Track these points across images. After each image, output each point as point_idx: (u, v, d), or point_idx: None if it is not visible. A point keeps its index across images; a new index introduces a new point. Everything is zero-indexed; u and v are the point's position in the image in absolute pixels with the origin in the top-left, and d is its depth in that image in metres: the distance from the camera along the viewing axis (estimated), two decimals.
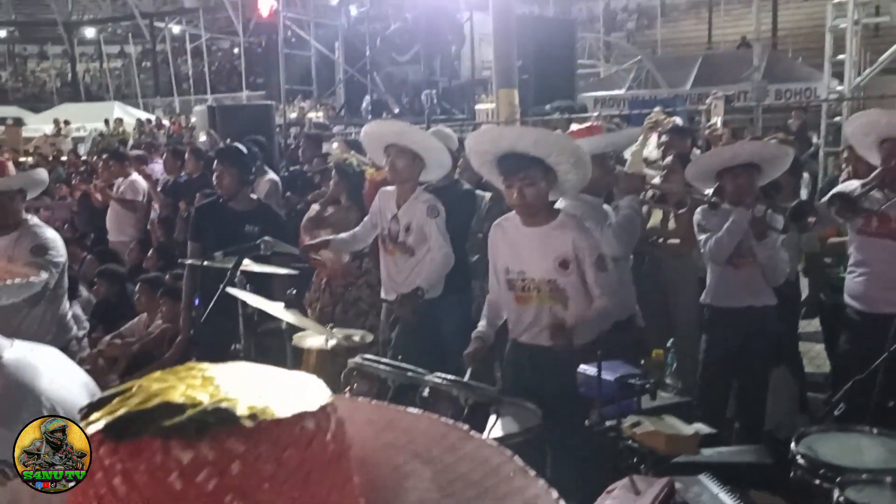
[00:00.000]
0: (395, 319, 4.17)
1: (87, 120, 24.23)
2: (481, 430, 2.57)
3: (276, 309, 3.26)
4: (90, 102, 29.79)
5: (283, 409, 0.59)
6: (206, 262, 3.88)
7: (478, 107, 14.80)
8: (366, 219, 4.39)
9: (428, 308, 4.02)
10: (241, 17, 24.35)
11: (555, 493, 0.65)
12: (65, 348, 3.99)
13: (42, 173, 4.54)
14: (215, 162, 4.68)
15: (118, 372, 5.18)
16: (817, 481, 2.56)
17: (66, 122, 23.35)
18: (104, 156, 9.20)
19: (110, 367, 5.25)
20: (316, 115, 17.26)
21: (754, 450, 3.25)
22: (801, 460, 2.66)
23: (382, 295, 4.34)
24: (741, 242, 3.83)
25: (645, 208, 4.53)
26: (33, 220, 4.21)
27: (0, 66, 36.67)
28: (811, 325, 5.60)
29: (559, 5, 21.27)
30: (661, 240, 4.85)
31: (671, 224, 4.84)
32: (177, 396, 0.59)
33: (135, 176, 7.77)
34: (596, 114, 13.15)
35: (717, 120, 9.53)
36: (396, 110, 13.67)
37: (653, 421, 2.87)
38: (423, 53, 13.59)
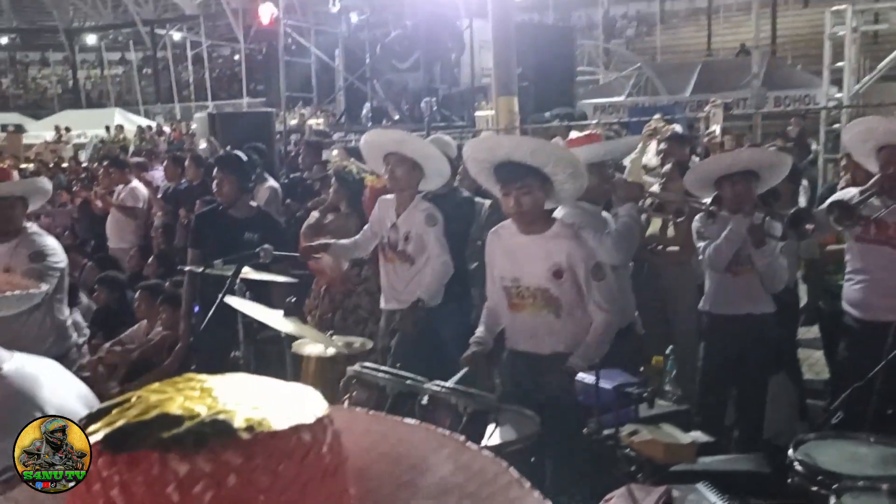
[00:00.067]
0: (394, 328, 4.18)
1: (87, 127, 24.27)
2: (480, 437, 2.57)
3: (274, 320, 3.26)
4: (91, 109, 29.84)
5: (279, 421, 0.60)
6: (205, 270, 3.89)
7: (477, 114, 14.81)
8: (366, 227, 4.40)
9: (427, 316, 4.03)
10: (241, 24, 24.41)
11: None
12: (65, 355, 4.00)
13: (45, 182, 4.55)
14: (215, 169, 4.69)
15: (118, 379, 5.18)
16: (814, 488, 2.57)
17: (67, 129, 23.40)
18: (105, 163, 9.24)
19: (110, 374, 5.25)
20: (316, 123, 17.27)
21: (752, 458, 3.25)
22: (798, 467, 2.66)
23: (382, 303, 4.35)
24: (740, 250, 3.83)
25: (644, 216, 4.54)
26: (33, 227, 4.21)
27: (1, 72, 36.77)
28: (810, 332, 5.60)
29: (559, 12, 21.34)
30: (660, 247, 4.86)
31: (670, 231, 4.85)
32: (175, 408, 0.60)
33: (135, 183, 7.79)
34: (595, 121, 13.16)
35: (717, 128, 9.55)
36: (396, 117, 13.67)
37: (650, 429, 2.87)
38: (423, 61, 13.59)
